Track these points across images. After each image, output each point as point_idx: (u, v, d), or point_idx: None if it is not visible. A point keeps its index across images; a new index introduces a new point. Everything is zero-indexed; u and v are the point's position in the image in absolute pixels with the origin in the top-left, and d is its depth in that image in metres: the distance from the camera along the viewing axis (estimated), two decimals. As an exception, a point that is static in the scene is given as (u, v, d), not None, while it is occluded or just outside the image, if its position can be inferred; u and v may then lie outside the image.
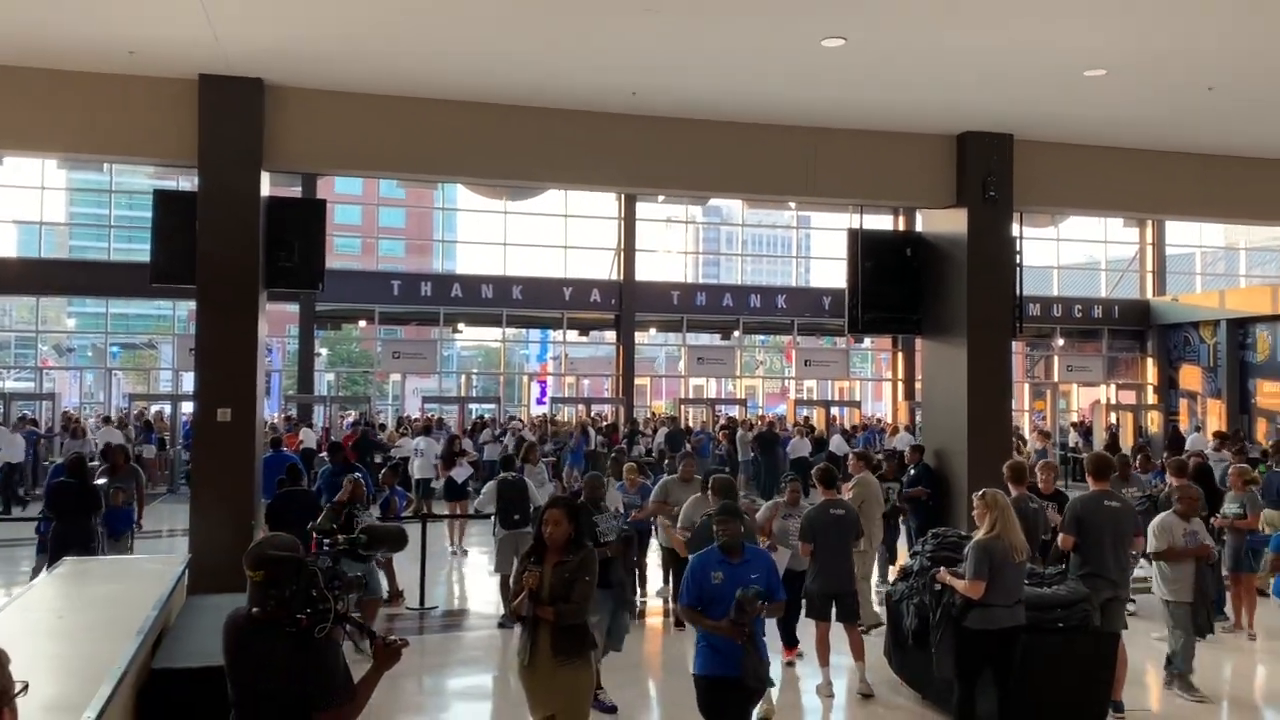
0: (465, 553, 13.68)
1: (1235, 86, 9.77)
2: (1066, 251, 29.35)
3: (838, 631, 7.70)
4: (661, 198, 25.03)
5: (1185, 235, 29.71)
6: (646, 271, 26.53)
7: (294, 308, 24.43)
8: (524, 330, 29.98)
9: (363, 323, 26.47)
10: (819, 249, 30.43)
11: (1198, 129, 11.40)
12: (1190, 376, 28.11)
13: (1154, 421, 26.11)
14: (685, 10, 7.99)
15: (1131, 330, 29.03)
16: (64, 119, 9.56)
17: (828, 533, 7.60)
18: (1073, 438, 24.89)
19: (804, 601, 7.78)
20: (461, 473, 14.33)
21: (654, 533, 10.47)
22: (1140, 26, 8.31)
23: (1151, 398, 28.28)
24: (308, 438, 19.55)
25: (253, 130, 9.82)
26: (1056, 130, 11.48)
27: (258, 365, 9.96)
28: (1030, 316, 23.27)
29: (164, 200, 10.38)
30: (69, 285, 24.33)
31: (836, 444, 20.88)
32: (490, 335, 28.42)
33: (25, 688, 2.22)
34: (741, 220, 30.30)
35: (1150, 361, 29.00)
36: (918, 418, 20.69)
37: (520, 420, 24.14)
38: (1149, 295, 29.09)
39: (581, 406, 26.57)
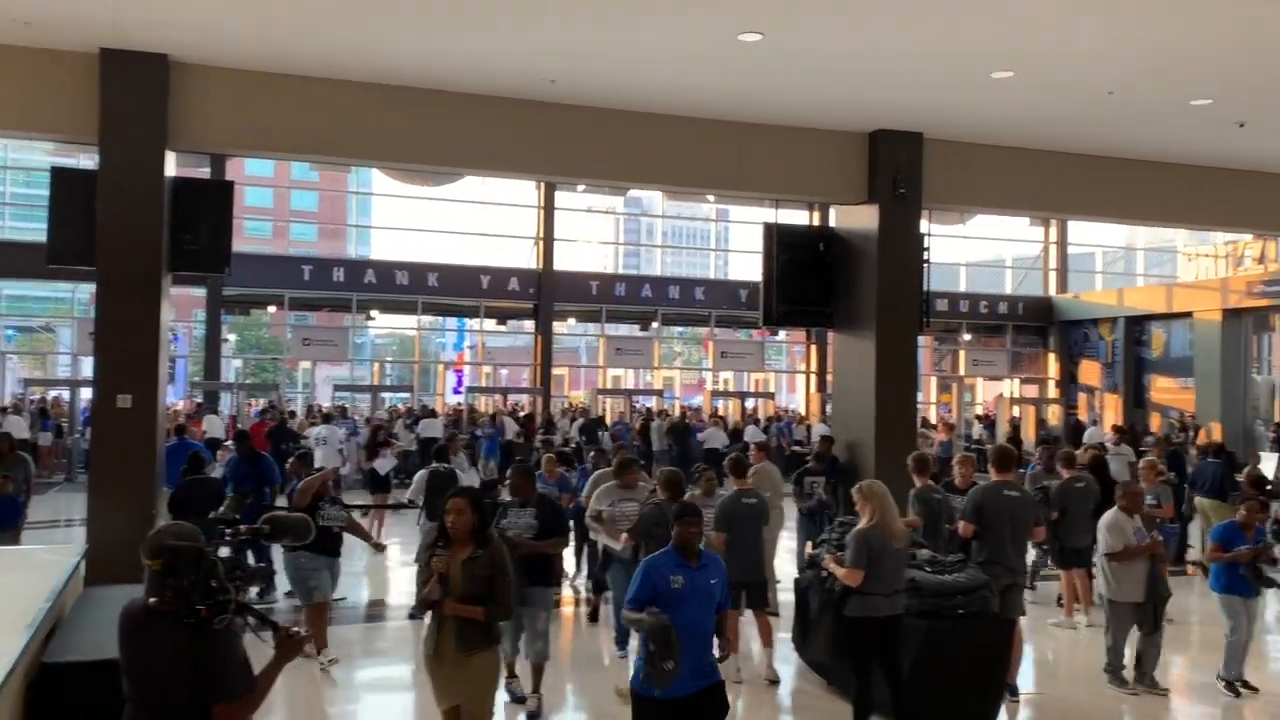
0: (384, 548, 13.37)
1: (1134, 91, 10.15)
2: (973, 249, 30.16)
3: (747, 618, 7.82)
4: (581, 187, 24.97)
5: (1087, 235, 30.76)
6: (566, 261, 26.50)
7: (200, 292, 23.77)
8: (440, 318, 29.63)
9: (272, 308, 25.85)
10: (737, 242, 30.77)
11: (1099, 132, 11.80)
12: (1089, 372, 29.14)
13: (1055, 415, 27.01)
14: (603, -1, 7.99)
15: (1034, 326, 29.95)
16: (-46, 91, 9.16)
17: (742, 522, 7.69)
18: (977, 430, 25.59)
19: None
20: (385, 464, 13.84)
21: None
22: (1045, 31, 8.57)
23: (1053, 392, 29.24)
24: (213, 425, 19.03)
25: (157, 108, 9.52)
26: (965, 130, 11.77)
27: (160, 350, 9.69)
28: (938, 311, 23.94)
29: (62, 178, 9.99)
30: (-40, 265, 23.30)
31: (751, 434, 21.14)
32: (405, 323, 28.05)
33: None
34: (661, 212, 30.45)
35: (1052, 357, 29.97)
36: (829, 409, 21.06)
37: (506, 409, 23.74)
38: (1051, 292, 30.04)
39: (499, 396, 26.41)
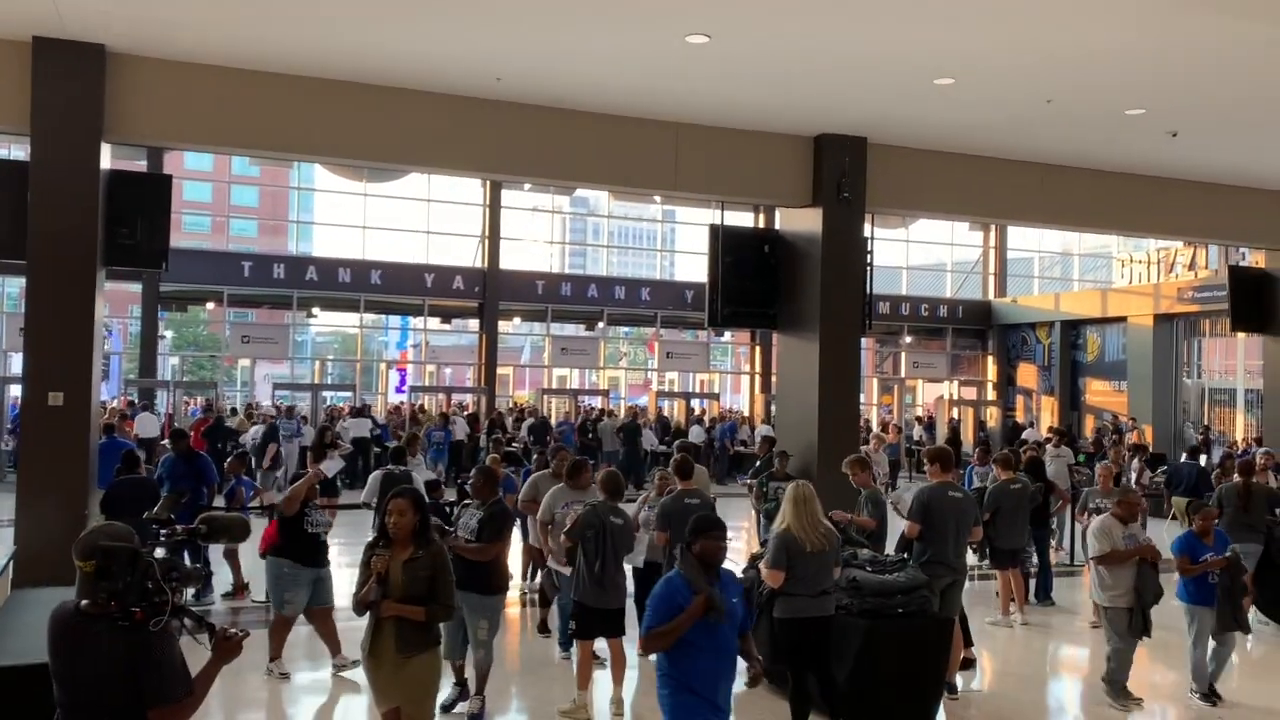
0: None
1: (1071, 100, 10.38)
2: (915, 253, 30.58)
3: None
4: (528, 186, 24.88)
5: (1025, 240, 31.34)
6: (511, 260, 26.33)
7: (137, 287, 23.24)
8: (383, 316, 29.30)
9: (211, 305, 25.37)
10: (683, 243, 30.85)
11: (1038, 139, 12.05)
12: (1027, 374, 29.70)
13: (993, 417, 27.49)
14: (551, -2, 7.97)
15: (974, 329, 30.46)
16: (-123, 77, 8.86)
17: (684, 522, 7.68)
18: (917, 431, 25.97)
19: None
20: (332, 465, 13.39)
21: (524, 533, 10.17)
22: (985, 39, 8.74)
23: (991, 394, 29.75)
24: (147, 424, 18.51)
25: (93, 99, 9.30)
26: (908, 135, 11.95)
27: (94, 347, 9.47)
28: (879, 314, 24.22)
29: (-8, 169, 9.72)
30: (-119, 257, 22.52)
31: (695, 434, 21.24)
32: (347, 321, 27.68)
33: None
34: (608, 212, 30.42)
35: (990, 359, 30.50)
36: (773, 410, 21.23)
37: (461, 411, 23.48)
38: (990, 296, 30.57)
39: (442, 395, 26.19)
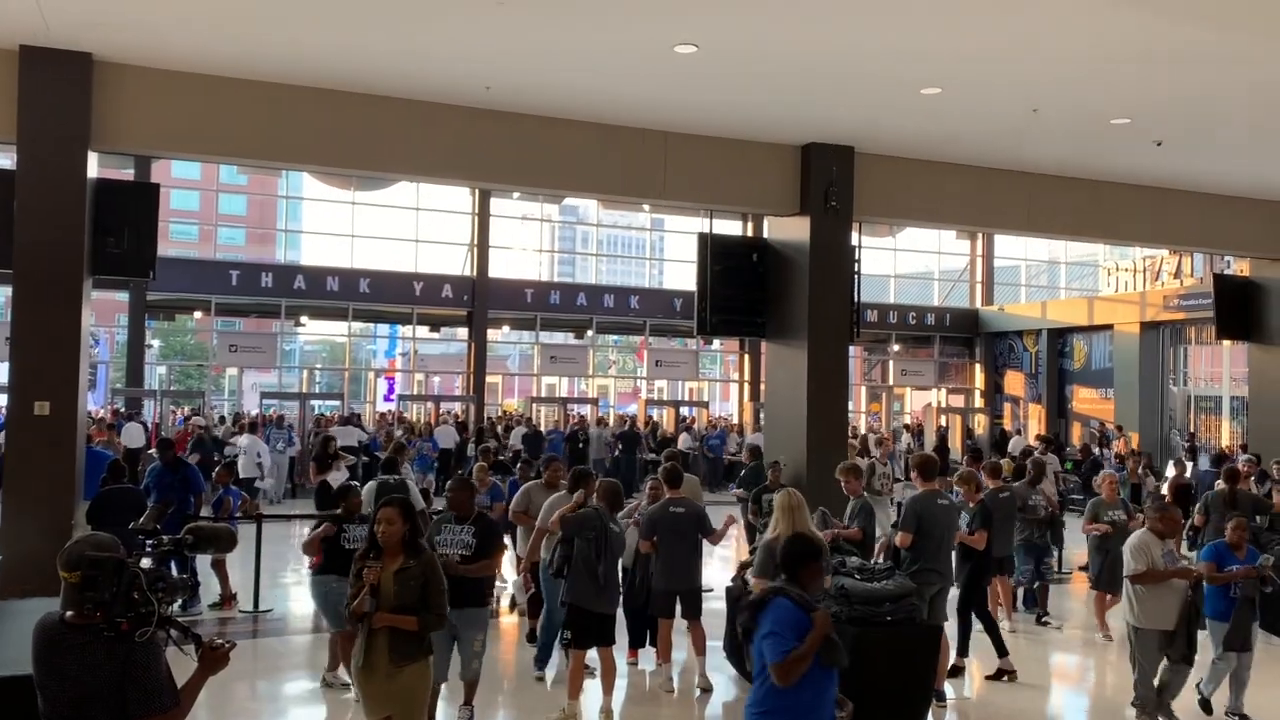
0: None
1: (1057, 109, 10.44)
2: (903, 261, 30.67)
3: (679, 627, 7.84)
4: (516, 194, 24.87)
5: (1012, 249, 31.46)
6: (500, 268, 26.31)
7: (124, 296, 23.14)
8: (371, 325, 29.24)
9: (198, 313, 25.27)
10: (671, 251, 30.86)
11: (1024, 148, 12.12)
12: (1014, 382, 29.80)
13: (980, 424, 27.56)
14: (535, 7, 7.99)
15: (961, 337, 30.55)
16: None
17: (668, 530, 7.69)
18: (905, 439, 26.02)
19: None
20: (338, 478, 12.96)
21: (514, 543, 10.11)
22: (972, 49, 8.79)
23: (979, 402, 29.84)
24: (132, 435, 18.32)
25: (79, 107, 9.28)
26: (895, 144, 12.00)
27: (81, 356, 9.42)
28: (868, 322, 24.27)
29: (-23, 178, 9.68)
30: None
31: (684, 442, 21.26)
32: (335, 329, 27.61)
33: None
34: (597, 220, 30.43)
35: (978, 367, 30.59)
36: (762, 418, 21.25)
37: (451, 419, 23.44)
38: (978, 305, 30.67)
39: (431, 404, 26.14)
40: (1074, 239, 19.32)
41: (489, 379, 26.66)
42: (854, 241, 12.45)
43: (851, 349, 13.51)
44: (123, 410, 21.89)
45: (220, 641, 3.39)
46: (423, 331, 26.62)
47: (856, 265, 12.48)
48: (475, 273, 25.34)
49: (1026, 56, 8.93)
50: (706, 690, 7.64)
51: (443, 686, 6.48)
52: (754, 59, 9.13)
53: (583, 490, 7.55)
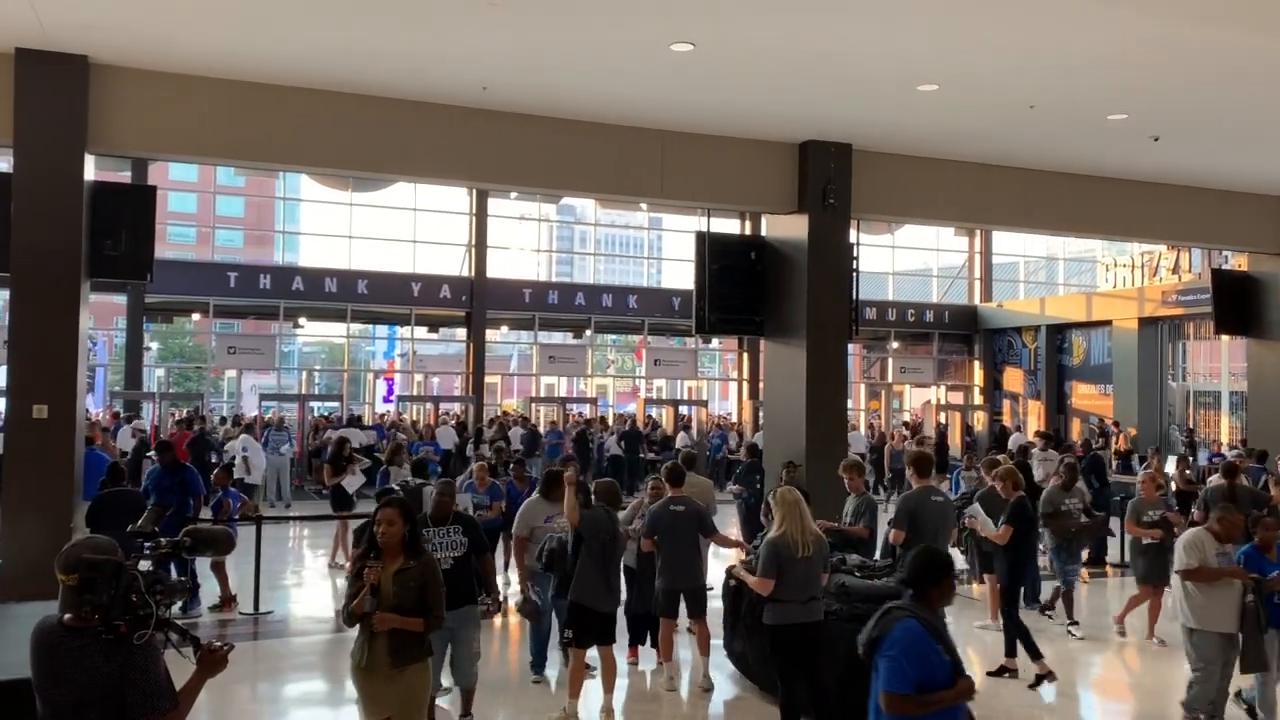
0: (343, 566, 12.87)
1: (1054, 105, 10.44)
2: (901, 258, 30.68)
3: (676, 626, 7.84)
4: (514, 194, 24.86)
5: (1010, 245, 31.47)
6: (498, 269, 26.29)
7: (122, 299, 23.11)
8: (370, 326, 29.23)
9: (196, 316, 25.27)
10: (670, 250, 30.84)
11: (1022, 145, 12.12)
12: (1013, 379, 29.81)
13: (980, 421, 27.56)
14: (530, 7, 7.98)
15: (960, 334, 30.56)
16: None
17: (669, 529, 7.66)
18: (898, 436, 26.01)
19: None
20: (354, 482, 12.49)
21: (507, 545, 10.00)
22: (968, 45, 8.79)
23: (978, 398, 29.84)
24: (123, 438, 18.22)
25: (76, 110, 9.27)
26: (892, 142, 12.00)
27: (79, 359, 9.41)
28: (866, 320, 24.27)
29: (-26, 181, 9.67)
30: None
31: (681, 441, 21.26)
32: (334, 331, 27.59)
33: None
34: (595, 220, 30.42)
35: (977, 364, 30.60)
36: (761, 416, 21.26)
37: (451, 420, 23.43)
38: (976, 301, 30.68)
39: (430, 405, 26.13)
40: (1072, 235, 19.34)
41: (488, 379, 26.64)
42: (852, 239, 12.45)
43: (850, 346, 13.52)
44: (121, 413, 21.86)
45: (219, 644, 3.38)
46: (421, 332, 26.61)
47: (855, 263, 12.48)
48: (473, 273, 25.33)
49: (1023, 53, 8.93)
50: (708, 690, 7.63)
51: (440, 696, 6.47)
52: (751, 57, 9.12)
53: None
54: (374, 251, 26.23)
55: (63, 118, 9.23)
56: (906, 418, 28.94)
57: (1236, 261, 19.76)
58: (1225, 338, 21.44)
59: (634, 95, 10.36)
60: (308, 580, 12.30)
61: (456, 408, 25.71)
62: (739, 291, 12.59)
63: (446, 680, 6.73)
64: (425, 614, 4.86)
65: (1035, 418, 28.09)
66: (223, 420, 22.38)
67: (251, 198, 32.34)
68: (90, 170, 9.67)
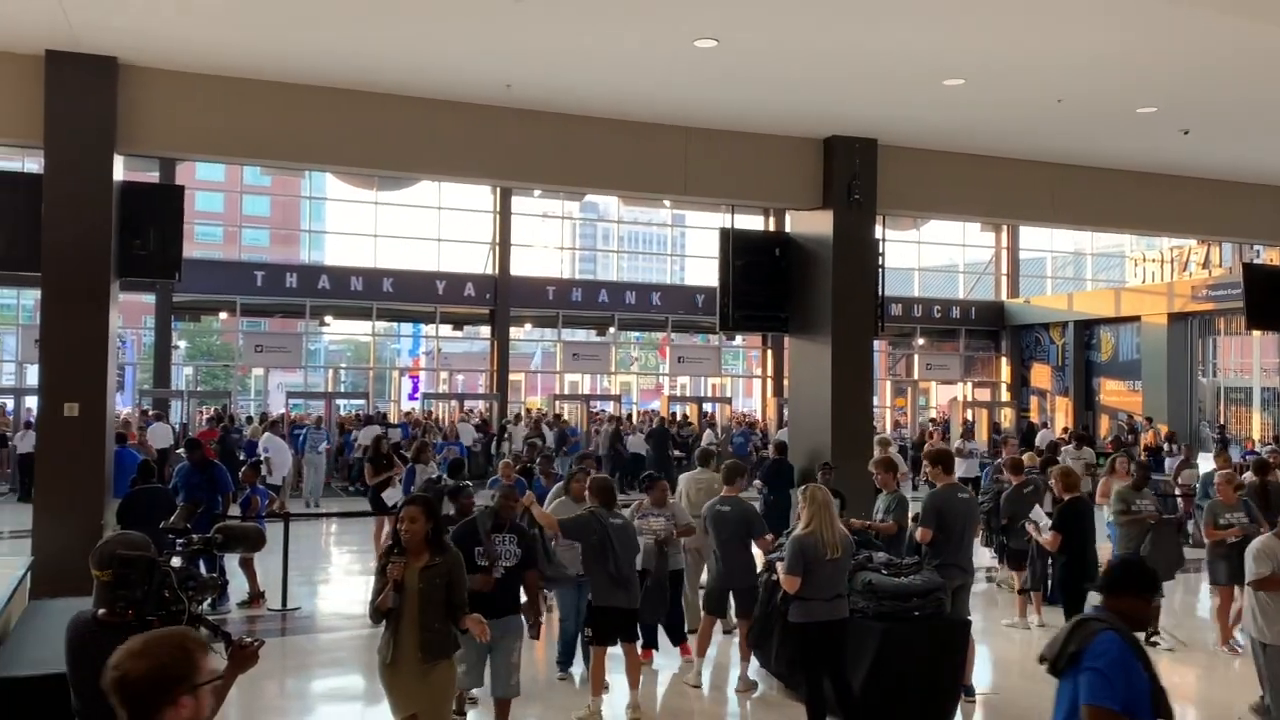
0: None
1: (1081, 99, 10.34)
2: (927, 254, 30.51)
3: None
4: (537, 192, 24.91)
5: (1037, 240, 31.24)
6: (522, 266, 26.36)
7: (150, 298, 23.36)
8: (395, 324, 29.38)
9: (224, 314, 25.49)
10: (693, 247, 30.83)
11: (1049, 139, 12.01)
12: (1040, 375, 29.58)
13: (1007, 418, 27.38)
14: (554, 5, 7.98)
15: (987, 330, 30.36)
16: (-108, 92, 8.94)
17: (719, 528, 7.66)
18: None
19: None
20: (393, 495, 12.01)
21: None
22: (994, 39, 8.71)
23: (1005, 395, 29.64)
24: (160, 435, 18.44)
25: (105, 111, 9.36)
26: (918, 136, 11.92)
27: (109, 358, 9.51)
28: (892, 316, 24.17)
29: (5, 182, 9.83)
30: (-102, 270, 22.65)
31: (708, 439, 21.24)
32: (359, 329, 27.76)
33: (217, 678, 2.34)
34: (618, 217, 30.43)
35: (1004, 360, 30.39)
36: (785, 413, 21.21)
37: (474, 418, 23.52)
38: (1003, 297, 30.47)
39: (454, 403, 26.24)
40: (1100, 229, 19.19)
41: (512, 377, 26.73)
42: (877, 234, 12.38)
43: (875, 343, 13.44)
44: (150, 411, 22.08)
45: (249, 640, 3.41)
46: (446, 330, 26.73)
47: (880, 258, 12.41)
48: (497, 271, 25.41)
49: (1050, 46, 8.84)
50: (749, 689, 7.60)
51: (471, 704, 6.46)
52: (774, 52, 9.09)
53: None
54: (399, 250, 26.35)
55: (92, 119, 9.32)
56: (933, 414, 28.78)
57: (1269, 255, 19.52)
58: (1257, 333, 21.18)
59: (657, 92, 10.34)
60: (335, 577, 12.38)
61: (481, 405, 25.80)
62: (763, 288, 12.55)
63: (479, 691, 6.64)
64: (452, 610, 4.89)
65: (1063, 414, 27.87)
66: (249, 419, 22.56)
67: (277, 197, 32.58)
68: (119, 170, 9.77)
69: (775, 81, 9.99)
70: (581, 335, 28.62)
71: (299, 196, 28.54)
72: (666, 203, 25.59)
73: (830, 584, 6.19)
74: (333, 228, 29.96)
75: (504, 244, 25.53)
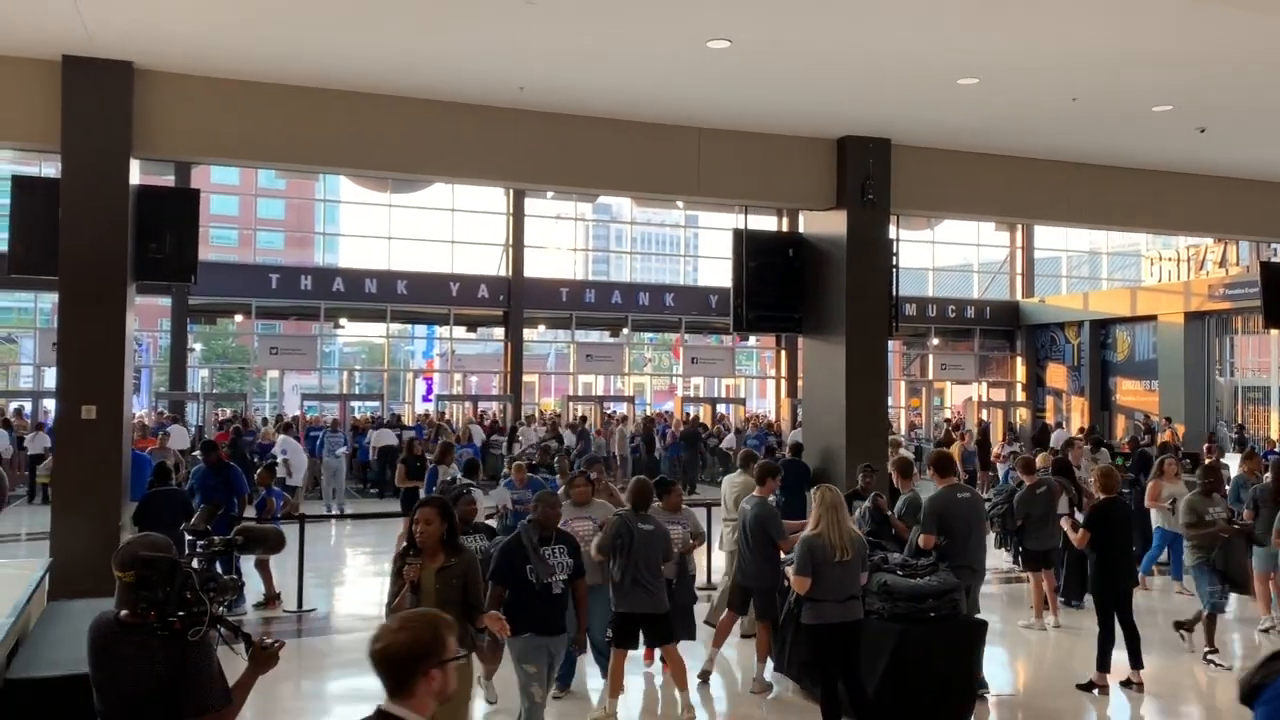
0: None
1: (1097, 97, 10.28)
2: (941, 254, 30.42)
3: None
4: (550, 194, 24.95)
5: (1052, 239, 31.11)
6: (535, 268, 26.41)
7: (166, 301, 23.50)
8: (409, 326, 29.48)
9: (239, 317, 25.63)
10: (706, 248, 30.80)
11: (1064, 138, 11.94)
12: (1056, 375, 29.46)
13: (1022, 418, 27.27)
14: (566, 6, 7.99)
15: (1002, 330, 30.25)
16: (-88, 98, 9.01)
17: (742, 528, 7.76)
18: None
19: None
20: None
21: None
22: (1009, 38, 8.68)
23: (1020, 395, 29.53)
24: (178, 437, 18.54)
25: (121, 116, 9.41)
26: (932, 136, 11.87)
27: (125, 360, 9.56)
28: (906, 316, 24.10)
29: (23, 187, 9.86)
30: (-82, 275, 22.83)
31: (728, 442, 21.23)
32: (374, 331, 27.86)
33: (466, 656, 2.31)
34: (631, 218, 30.45)
35: (1019, 360, 30.27)
36: (799, 414, 21.17)
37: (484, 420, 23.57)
38: (1018, 297, 30.35)
39: (469, 404, 26.30)
40: (1116, 229, 19.07)
41: (525, 378, 26.78)
42: (891, 235, 12.34)
43: (890, 343, 13.39)
44: (165, 413, 22.21)
45: (270, 641, 3.43)
46: (460, 332, 26.80)
47: (894, 259, 12.37)
48: (510, 273, 25.47)
49: (1065, 45, 8.79)
50: (765, 690, 7.61)
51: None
52: (787, 52, 9.07)
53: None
54: (413, 252, 26.46)
55: (108, 123, 9.36)
56: (948, 415, 28.69)
57: (1286, 254, 19.36)
58: (1275, 332, 21.03)
59: (670, 93, 10.34)
60: (350, 578, 12.42)
61: (494, 407, 25.84)
62: (777, 289, 12.52)
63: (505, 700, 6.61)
64: (468, 611, 4.91)
65: (1079, 414, 27.75)
66: (264, 421, 22.65)
67: (292, 200, 32.70)
68: (135, 174, 9.81)
69: (788, 82, 9.97)
70: (595, 336, 28.65)
71: (313, 200, 28.66)
72: (679, 203, 25.58)
73: (842, 585, 6.18)
74: (347, 230, 30.05)
75: (517, 246, 25.59)
